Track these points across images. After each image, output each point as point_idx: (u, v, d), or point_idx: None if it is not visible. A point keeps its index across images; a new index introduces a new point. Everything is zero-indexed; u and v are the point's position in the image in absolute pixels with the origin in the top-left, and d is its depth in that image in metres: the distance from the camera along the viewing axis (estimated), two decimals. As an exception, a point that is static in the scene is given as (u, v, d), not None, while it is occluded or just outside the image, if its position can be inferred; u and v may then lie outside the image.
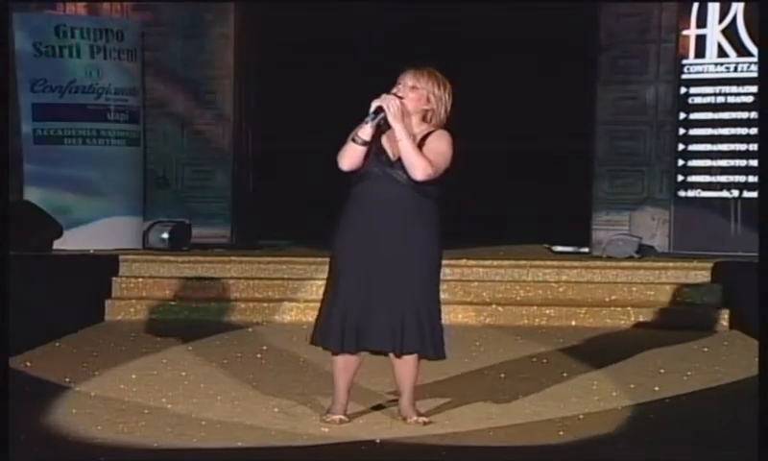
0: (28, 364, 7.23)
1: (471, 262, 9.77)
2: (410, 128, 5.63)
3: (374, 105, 5.58)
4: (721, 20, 10.51)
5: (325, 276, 5.82)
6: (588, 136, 11.32)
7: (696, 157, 10.71)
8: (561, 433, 5.59)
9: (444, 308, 5.85)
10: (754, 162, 10.30)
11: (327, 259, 5.79)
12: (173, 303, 9.44)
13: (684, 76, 10.71)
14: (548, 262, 9.89)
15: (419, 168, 5.54)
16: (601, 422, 5.87)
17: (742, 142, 10.48)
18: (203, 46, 11.37)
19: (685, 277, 9.67)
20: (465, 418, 5.87)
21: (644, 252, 10.44)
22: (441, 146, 5.63)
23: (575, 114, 11.57)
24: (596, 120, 11.22)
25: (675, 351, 7.99)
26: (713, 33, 10.56)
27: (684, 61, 10.70)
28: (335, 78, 12.53)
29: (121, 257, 9.91)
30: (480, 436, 5.52)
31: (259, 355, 7.74)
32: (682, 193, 10.76)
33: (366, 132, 5.57)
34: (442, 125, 5.72)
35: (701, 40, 10.62)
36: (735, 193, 10.50)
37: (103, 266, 9.72)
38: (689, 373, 7.21)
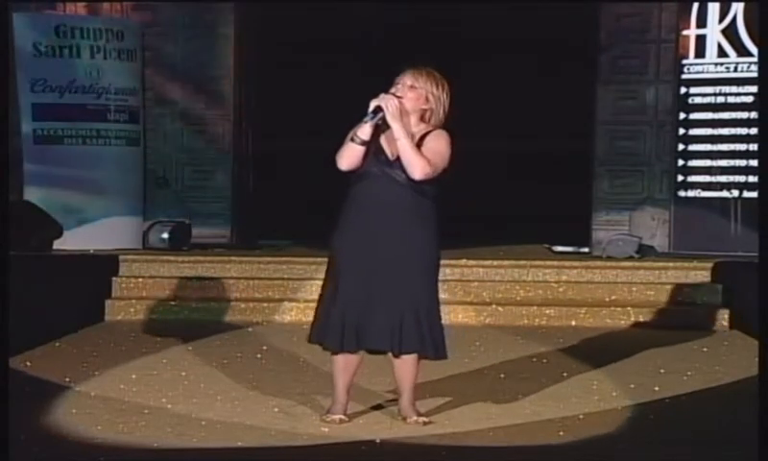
0: (28, 364, 7.23)
1: (471, 262, 9.77)
2: (408, 127, 5.63)
3: (373, 104, 5.59)
4: (721, 20, 10.52)
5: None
6: (588, 136, 11.32)
7: (696, 157, 10.71)
8: (561, 433, 5.59)
9: (443, 308, 5.85)
10: (754, 162, 10.30)
11: (327, 259, 5.79)
12: (173, 302, 9.44)
13: (683, 76, 10.72)
14: (548, 262, 9.89)
15: (417, 167, 5.54)
16: (601, 422, 5.87)
17: (742, 142, 10.48)
18: (202, 46, 11.37)
19: (685, 277, 9.67)
20: (465, 418, 5.87)
21: (644, 252, 10.44)
22: (439, 145, 5.63)
23: (575, 114, 11.57)
24: (596, 120, 11.22)
25: (675, 351, 7.99)
26: (713, 33, 10.56)
27: (684, 61, 10.70)
28: (335, 78, 12.53)
29: (121, 257, 9.92)
30: (480, 436, 5.52)
31: (259, 355, 7.74)
32: (682, 193, 10.76)
33: (365, 131, 5.57)
34: (440, 125, 5.73)
35: (701, 40, 10.62)
36: (735, 193, 10.50)
37: (103, 266, 9.72)
38: (689, 373, 7.21)
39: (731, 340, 8.58)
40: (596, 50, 11.16)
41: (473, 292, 9.57)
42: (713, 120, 10.62)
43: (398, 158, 5.57)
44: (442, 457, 5.19)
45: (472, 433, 5.56)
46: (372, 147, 5.61)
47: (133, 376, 6.91)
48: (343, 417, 5.70)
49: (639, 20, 11.06)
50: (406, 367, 5.68)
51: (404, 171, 5.56)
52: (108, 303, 9.41)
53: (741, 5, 10.40)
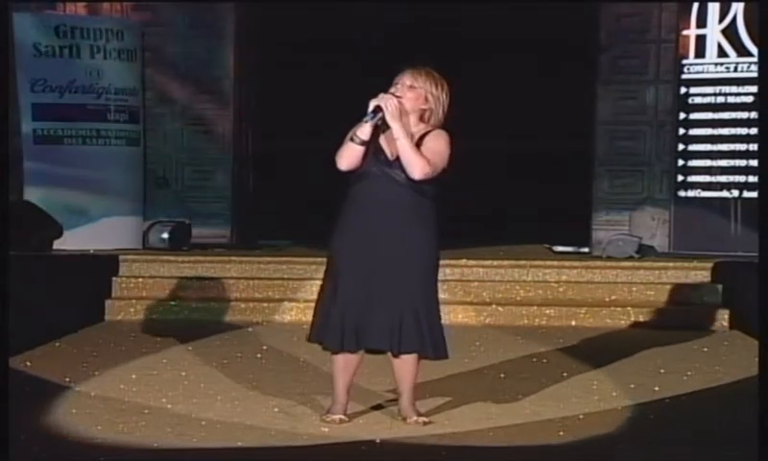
0: (28, 364, 7.23)
1: (471, 262, 9.77)
2: (408, 127, 5.63)
3: (372, 104, 5.59)
4: (721, 20, 10.52)
5: (326, 275, 5.83)
6: (588, 136, 11.32)
7: (696, 157, 10.71)
8: (561, 433, 5.59)
9: (443, 308, 5.86)
10: (754, 162, 10.30)
11: (326, 259, 5.79)
12: (173, 302, 9.44)
13: (683, 76, 10.72)
14: (548, 262, 9.89)
15: (416, 167, 5.54)
16: (601, 422, 5.87)
17: (742, 142, 10.48)
18: (202, 46, 11.37)
19: (685, 277, 9.67)
20: (465, 418, 5.87)
21: (644, 252, 10.44)
22: (438, 145, 5.63)
23: (575, 114, 11.57)
24: (596, 120, 11.22)
25: (675, 351, 7.99)
26: (713, 33, 10.56)
27: (684, 61, 10.70)
28: (335, 78, 12.52)
29: (121, 257, 9.92)
30: (480, 436, 5.52)
31: (259, 355, 7.74)
32: (682, 193, 10.76)
33: (364, 131, 5.57)
34: (439, 124, 5.73)
35: (701, 40, 10.62)
36: (735, 193, 10.50)
37: (103, 266, 9.72)
38: (689, 373, 7.21)
39: (731, 340, 8.58)
40: (596, 50, 11.16)
41: (473, 292, 9.57)
42: (713, 120, 10.62)
43: (398, 158, 5.58)
44: (442, 457, 5.19)
45: (472, 433, 5.56)
46: (372, 147, 5.62)
47: (133, 376, 6.91)
48: (343, 417, 5.70)
49: (639, 20, 11.06)
50: (406, 367, 5.68)
51: (404, 171, 5.56)
52: (107, 303, 9.41)
53: (741, 5, 10.40)
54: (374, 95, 5.61)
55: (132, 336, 8.47)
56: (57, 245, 10.26)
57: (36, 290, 8.20)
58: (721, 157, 10.60)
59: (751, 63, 10.34)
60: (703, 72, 10.63)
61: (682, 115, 10.75)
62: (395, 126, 5.56)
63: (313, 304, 5.84)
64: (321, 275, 5.81)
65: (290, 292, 9.52)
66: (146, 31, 11.19)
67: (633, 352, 7.82)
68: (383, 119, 5.57)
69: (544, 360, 7.63)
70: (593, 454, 5.32)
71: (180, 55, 11.39)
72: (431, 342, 5.64)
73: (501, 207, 11.98)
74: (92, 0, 11.26)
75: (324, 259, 5.80)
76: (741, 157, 10.49)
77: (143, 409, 6.01)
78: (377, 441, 5.37)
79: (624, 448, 5.47)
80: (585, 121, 11.33)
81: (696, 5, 10.61)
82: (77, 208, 10.55)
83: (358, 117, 5.61)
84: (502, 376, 7.08)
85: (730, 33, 10.48)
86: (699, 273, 9.67)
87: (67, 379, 6.75)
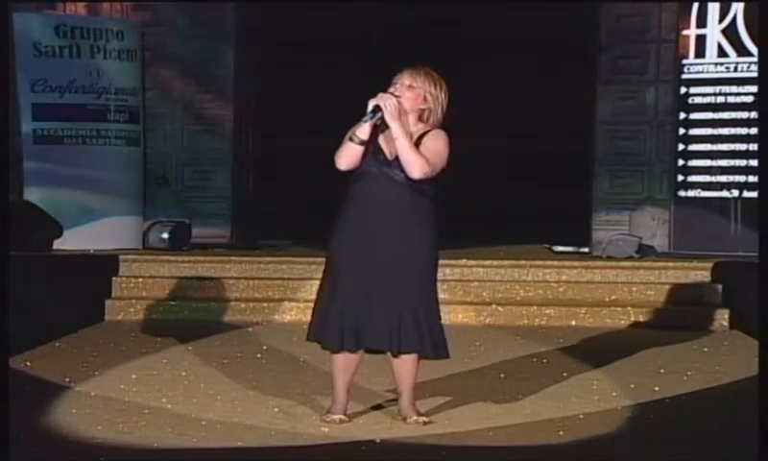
0: (28, 364, 7.23)
1: (471, 262, 9.77)
2: (407, 127, 5.63)
3: (372, 104, 5.59)
4: (721, 20, 10.52)
5: (325, 275, 5.83)
6: (588, 136, 11.32)
7: (696, 157, 10.71)
8: (561, 433, 5.59)
9: (443, 308, 5.86)
10: (754, 162, 10.30)
11: (325, 258, 5.79)
12: (173, 302, 9.44)
13: (683, 76, 10.72)
14: (548, 262, 9.89)
15: (415, 166, 5.54)
16: (601, 422, 5.87)
17: (742, 142, 10.48)
18: (203, 46, 11.37)
19: (685, 277, 9.67)
20: (465, 418, 5.87)
21: (644, 252, 10.44)
22: (437, 145, 5.64)
23: (575, 114, 11.58)
24: (596, 120, 11.22)
25: (675, 351, 7.99)
26: (713, 33, 10.56)
27: (684, 61, 10.70)
28: (335, 78, 12.53)
29: (121, 257, 9.92)
30: (480, 436, 5.52)
31: (259, 355, 7.74)
32: (682, 193, 10.76)
33: (364, 131, 5.57)
34: (438, 124, 5.73)
35: (701, 40, 10.62)
36: (735, 193, 10.50)
37: (103, 266, 9.72)
38: (689, 373, 7.21)
39: (731, 340, 8.58)
40: (596, 50, 11.16)
41: (473, 292, 9.57)
42: (713, 120, 10.62)
43: (397, 158, 5.58)
44: (442, 457, 5.19)
45: (472, 433, 5.56)
46: (371, 147, 5.62)
47: (133, 376, 6.91)
48: (343, 417, 5.70)
49: (639, 20, 11.07)
50: (406, 367, 5.68)
51: (403, 170, 5.56)
52: (107, 303, 9.41)
53: (741, 5, 10.40)
54: (374, 95, 5.62)
55: (131, 336, 8.47)
56: (57, 245, 10.25)
57: (35, 290, 8.20)
58: (721, 157, 10.60)
59: (751, 63, 10.34)
60: (703, 72, 10.63)
61: (682, 115, 10.75)
62: (393, 125, 5.56)
63: (312, 304, 5.84)
64: (320, 274, 5.81)
65: (290, 292, 9.52)
66: (146, 31, 11.19)
67: (632, 352, 7.82)
68: (382, 119, 5.57)
69: (544, 360, 7.63)
70: (593, 454, 5.32)
71: (180, 55, 11.39)
72: (431, 342, 5.64)
73: (501, 207, 11.99)
74: (92, 0, 11.26)
75: (324, 259, 5.80)
76: (741, 157, 10.49)
77: (143, 409, 6.01)
78: (377, 441, 5.37)
79: (624, 448, 5.47)
80: (585, 121, 11.34)
81: (696, 5, 10.61)
82: (77, 208, 10.55)
83: (358, 117, 5.61)
84: (502, 376, 7.08)
85: (730, 33, 10.49)
86: (699, 273, 9.67)
87: (67, 379, 6.75)
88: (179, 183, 11.47)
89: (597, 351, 7.96)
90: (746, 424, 5.50)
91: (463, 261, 9.71)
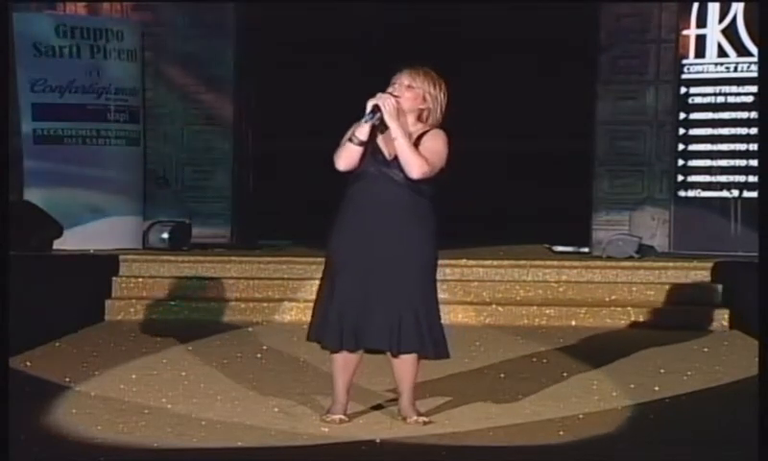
0: (28, 364, 7.23)
1: (471, 262, 9.77)
2: (406, 127, 5.63)
3: (371, 104, 5.59)
4: (721, 20, 10.51)
5: (325, 275, 5.83)
6: (588, 136, 11.32)
7: (696, 157, 10.71)
8: (561, 433, 5.59)
9: (443, 308, 5.86)
10: (754, 162, 10.29)
11: (324, 258, 5.79)
12: (173, 302, 9.44)
13: (683, 76, 10.71)
14: (548, 262, 9.89)
15: (415, 166, 5.54)
16: (601, 422, 5.87)
17: (742, 142, 10.48)
18: (203, 46, 11.36)
19: (685, 277, 9.67)
20: (465, 418, 5.87)
21: (644, 252, 10.44)
22: (436, 145, 5.64)
23: (575, 114, 11.57)
24: (596, 120, 11.22)
25: (675, 351, 7.99)
26: (713, 33, 10.56)
27: (684, 61, 10.70)
28: (335, 78, 12.52)
29: (121, 257, 9.92)
30: (480, 436, 5.52)
31: (259, 355, 7.74)
32: (682, 193, 10.76)
33: (363, 131, 5.58)
34: (437, 124, 5.74)
35: (701, 40, 10.62)
36: (735, 193, 10.50)
37: (103, 266, 9.72)
38: (689, 373, 7.21)
39: (731, 340, 8.58)
40: (596, 50, 11.16)
41: (473, 292, 9.57)
42: (713, 120, 10.61)
43: (396, 158, 5.58)
44: (442, 457, 5.19)
45: (472, 433, 5.56)
46: (370, 147, 5.62)
47: (133, 376, 6.91)
48: (343, 417, 5.70)
49: (639, 20, 11.06)
50: (405, 367, 5.68)
51: (402, 170, 5.56)
52: (107, 303, 9.41)
53: (741, 5, 10.40)
54: (373, 95, 5.62)
55: (131, 336, 8.47)
56: (57, 245, 10.25)
57: (36, 290, 8.20)
58: (721, 157, 10.59)
59: (751, 63, 10.34)
60: (703, 72, 10.63)
61: (682, 115, 10.75)
62: (392, 125, 5.56)
63: (312, 304, 5.84)
64: (320, 274, 5.81)
65: (290, 292, 9.52)
66: (146, 31, 11.18)
67: (632, 352, 7.82)
68: (381, 119, 5.57)
69: (544, 360, 7.63)
70: (593, 454, 5.32)
71: (180, 55, 11.38)
72: (431, 341, 5.64)
73: (501, 207, 11.98)
74: (92, 0, 11.26)
75: (324, 259, 5.80)
76: (741, 157, 10.49)
77: (143, 409, 6.01)
78: (377, 441, 5.37)
79: (624, 448, 5.47)
80: (585, 121, 11.33)
81: (696, 5, 10.61)
82: (77, 208, 10.55)
83: (358, 117, 5.61)
84: (502, 376, 7.08)
85: (730, 33, 10.48)
86: (699, 273, 9.67)
87: (67, 379, 6.75)
88: (179, 183, 11.47)
89: (597, 351, 7.96)
90: (746, 424, 5.50)
91: (463, 261, 9.71)
